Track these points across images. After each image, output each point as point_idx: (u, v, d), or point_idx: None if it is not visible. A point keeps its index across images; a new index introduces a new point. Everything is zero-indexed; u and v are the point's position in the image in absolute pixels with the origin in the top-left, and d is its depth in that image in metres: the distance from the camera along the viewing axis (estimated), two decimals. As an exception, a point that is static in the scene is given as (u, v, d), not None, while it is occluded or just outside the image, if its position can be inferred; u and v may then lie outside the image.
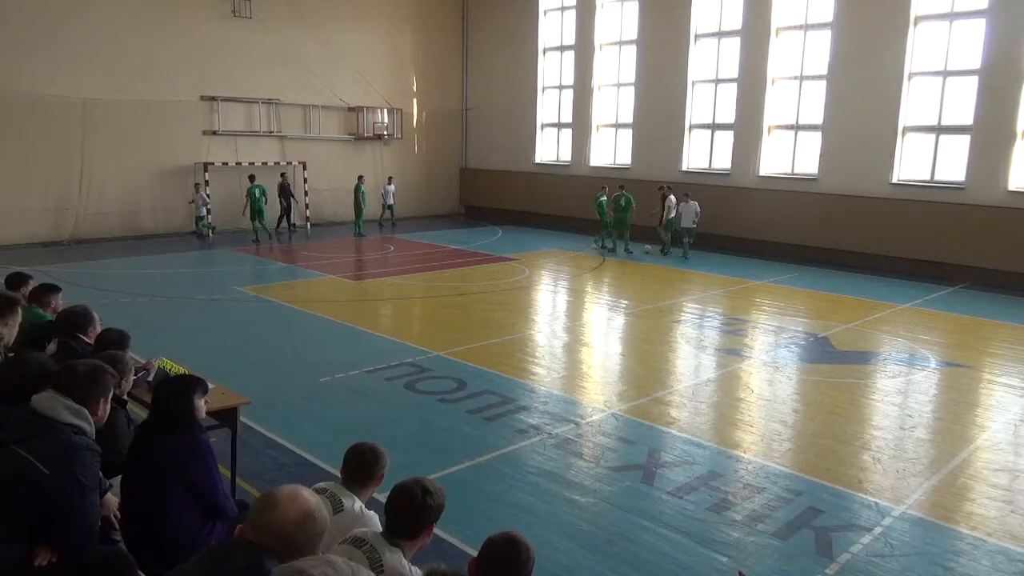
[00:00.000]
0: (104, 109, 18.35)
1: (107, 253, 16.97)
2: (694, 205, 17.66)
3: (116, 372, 3.60)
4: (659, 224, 18.66)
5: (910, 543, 5.26)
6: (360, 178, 21.12)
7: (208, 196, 19.48)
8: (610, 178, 21.56)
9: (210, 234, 19.37)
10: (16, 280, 6.34)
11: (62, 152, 18.13)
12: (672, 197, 18.11)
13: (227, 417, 5.31)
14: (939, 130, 16.14)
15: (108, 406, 3.44)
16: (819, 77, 17.66)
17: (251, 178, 19.38)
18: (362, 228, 20.83)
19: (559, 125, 23.82)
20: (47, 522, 3.03)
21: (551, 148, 24.21)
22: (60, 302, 5.96)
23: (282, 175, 20.73)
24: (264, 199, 19.14)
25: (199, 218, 19.47)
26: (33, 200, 17.77)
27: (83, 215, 18.48)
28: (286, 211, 20.60)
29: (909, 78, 16.33)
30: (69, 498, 3.03)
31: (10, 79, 16.93)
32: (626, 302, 13.54)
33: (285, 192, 20.50)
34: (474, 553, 2.79)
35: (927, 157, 16.38)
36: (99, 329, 5.14)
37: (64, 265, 15.01)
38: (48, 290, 6.01)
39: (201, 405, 3.94)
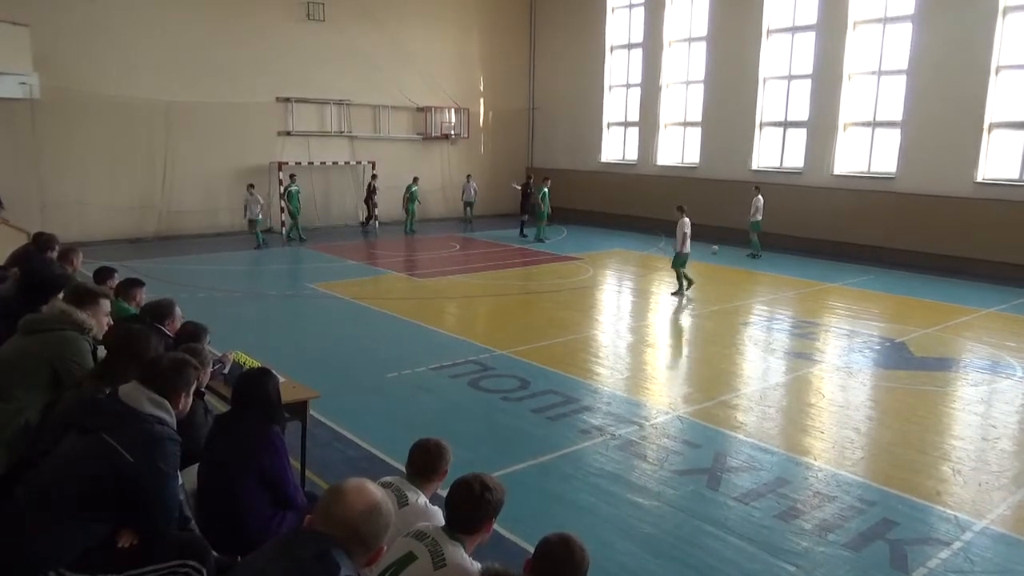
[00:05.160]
0: (186, 111, 19.12)
1: (187, 249, 17.69)
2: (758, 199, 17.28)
3: (197, 365, 3.74)
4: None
5: (992, 560, 5.02)
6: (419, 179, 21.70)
7: (260, 198, 18.74)
8: (681, 177, 21.40)
9: (262, 242, 18.27)
10: (103, 274, 6.68)
11: (146, 153, 18.99)
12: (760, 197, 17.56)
13: (297, 410, 5.43)
14: (1030, 126, 15.34)
15: (190, 398, 3.58)
16: (899, 72, 17.01)
17: (291, 178, 19.48)
18: (412, 226, 21.37)
19: (626, 124, 23.62)
20: (129, 506, 3.18)
21: (617, 147, 24.02)
22: (144, 296, 6.25)
23: (373, 176, 21.37)
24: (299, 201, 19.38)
25: (252, 221, 18.43)
26: (119, 199, 18.66)
27: (165, 213, 19.30)
28: (372, 210, 21.31)
29: (996, 72, 15.56)
30: (150, 484, 3.18)
31: (101, 84, 17.83)
32: (693, 303, 13.32)
33: (371, 192, 21.16)
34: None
35: (1016, 155, 15.58)
36: (179, 322, 5.35)
37: (147, 260, 15.70)
38: (133, 284, 6.30)
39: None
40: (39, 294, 5.08)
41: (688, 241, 13.18)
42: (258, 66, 20.14)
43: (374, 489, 2.31)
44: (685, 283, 13.30)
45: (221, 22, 19.47)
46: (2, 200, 16.48)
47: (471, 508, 2.98)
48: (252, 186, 18.52)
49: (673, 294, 13.32)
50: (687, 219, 13.19)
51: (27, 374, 4.22)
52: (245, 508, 3.77)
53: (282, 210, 20.11)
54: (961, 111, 15.87)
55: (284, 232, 19.55)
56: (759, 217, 17.37)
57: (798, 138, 19.04)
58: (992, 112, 15.69)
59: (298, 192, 19.39)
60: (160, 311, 5.37)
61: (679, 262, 13.23)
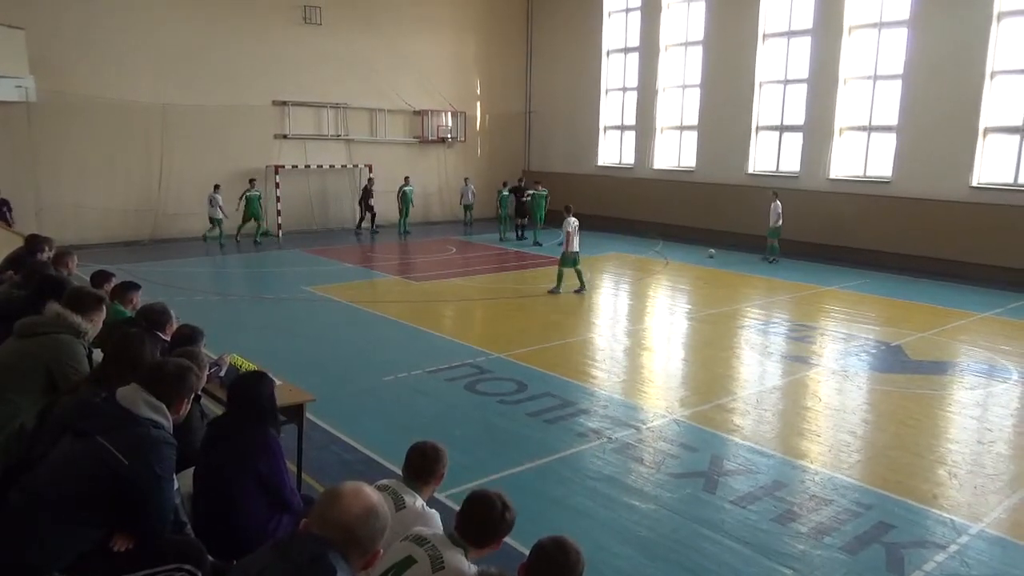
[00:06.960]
0: (182, 114, 19.10)
1: (183, 252, 17.65)
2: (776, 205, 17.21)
3: (199, 372, 3.74)
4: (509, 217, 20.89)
5: (988, 563, 5.02)
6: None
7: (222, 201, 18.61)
8: (677, 181, 21.48)
9: (219, 244, 18.39)
10: (100, 278, 6.68)
11: (143, 156, 18.99)
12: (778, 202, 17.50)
13: (293, 413, 5.42)
14: (1024, 131, 15.39)
15: (189, 405, 3.59)
16: (894, 76, 17.05)
17: (251, 182, 19.33)
18: (406, 227, 21.54)
19: (622, 127, 23.65)
20: (125, 510, 3.18)
21: (614, 150, 24.06)
22: (139, 299, 6.24)
23: (369, 180, 21.44)
24: (261, 204, 19.41)
25: (216, 220, 18.47)
26: (116, 201, 18.65)
27: (161, 216, 19.27)
28: (370, 213, 21.39)
29: (991, 77, 15.62)
30: (146, 488, 3.17)
31: (97, 87, 17.83)
32: (689, 306, 13.33)
33: (367, 195, 21.26)
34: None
35: (1011, 159, 15.63)
36: (175, 326, 5.34)
37: (143, 264, 15.67)
38: (129, 287, 6.29)
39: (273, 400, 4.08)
40: (42, 296, 5.06)
41: (574, 240, 13.40)
42: (255, 69, 20.14)
43: (371, 492, 2.31)
44: (578, 282, 13.51)
45: (218, 25, 19.48)
46: (11, 206, 16.46)
47: (491, 524, 3.02)
48: (218, 186, 18.50)
49: (576, 291, 13.50)
50: (573, 219, 13.56)
51: (23, 377, 4.21)
52: (241, 511, 3.76)
53: (278, 212, 20.11)
54: (956, 115, 15.91)
55: (275, 233, 19.70)
56: (779, 224, 17.22)
57: (794, 142, 19.08)
58: (987, 116, 15.73)
59: (258, 196, 19.31)
60: (156, 315, 5.36)
61: (568, 261, 13.46)
